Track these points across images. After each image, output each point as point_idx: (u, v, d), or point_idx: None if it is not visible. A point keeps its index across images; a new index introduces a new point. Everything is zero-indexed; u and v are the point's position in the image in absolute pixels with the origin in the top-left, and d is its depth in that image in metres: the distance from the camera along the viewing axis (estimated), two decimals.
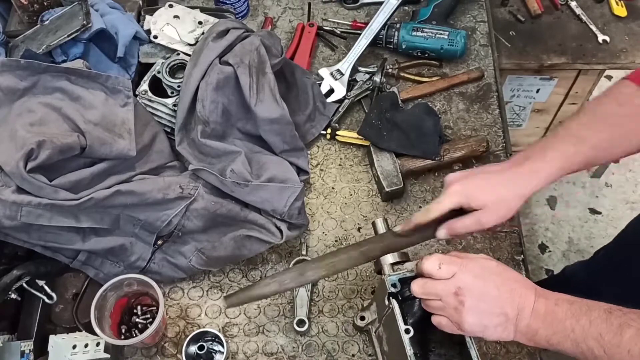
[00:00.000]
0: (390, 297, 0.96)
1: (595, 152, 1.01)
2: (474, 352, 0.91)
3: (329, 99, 1.43)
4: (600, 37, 1.83)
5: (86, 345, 1.11)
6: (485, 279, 0.90)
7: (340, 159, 1.38)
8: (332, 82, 1.43)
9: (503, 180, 0.99)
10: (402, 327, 0.93)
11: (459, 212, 0.99)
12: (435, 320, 0.92)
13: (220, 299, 1.22)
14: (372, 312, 1.13)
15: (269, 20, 1.57)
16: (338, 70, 1.44)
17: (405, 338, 0.92)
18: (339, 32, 1.56)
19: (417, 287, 0.92)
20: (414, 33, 1.47)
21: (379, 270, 1.03)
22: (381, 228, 1.07)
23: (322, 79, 1.44)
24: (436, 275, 0.90)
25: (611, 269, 1.52)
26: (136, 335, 1.12)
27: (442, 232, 1.01)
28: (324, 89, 1.43)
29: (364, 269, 1.24)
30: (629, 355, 0.79)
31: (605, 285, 1.47)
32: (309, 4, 1.60)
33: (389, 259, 1.02)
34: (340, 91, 1.43)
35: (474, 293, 0.88)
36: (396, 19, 1.58)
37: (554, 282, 1.74)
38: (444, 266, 0.90)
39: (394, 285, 0.96)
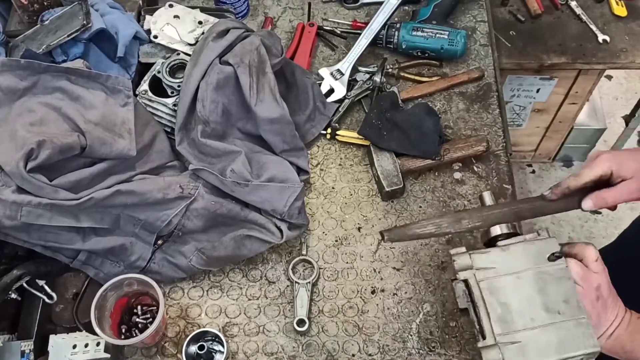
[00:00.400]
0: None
1: None
2: None
3: (329, 99, 1.43)
4: (600, 37, 1.83)
5: (86, 345, 1.11)
6: (610, 286, 0.96)
7: (341, 158, 1.38)
8: (332, 82, 1.43)
9: None
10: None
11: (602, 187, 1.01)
12: None
13: (219, 297, 1.22)
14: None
15: (269, 20, 1.57)
16: (338, 70, 1.44)
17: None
18: (339, 32, 1.56)
19: (576, 271, 0.95)
20: (414, 33, 1.47)
21: (488, 242, 1.04)
22: (489, 201, 1.08)
23: (322, 78, 1.44)
24: (590, 265, 0.95)
25: (614, 269, 1.52)
26: (136, 335, 1.12)
27: (588, 203, 1.03)
28: (324, 88, 1.43)
29: (364, 268, 1.24)
30: None
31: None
32: (309, 4, 1.60)
33: (497, 229, 1.02)
34: (340, 91, 1.43)
35: (604, 294, 0.94)
36: (396, 18, 1.58)
37: None
38: (600, 261, 0.95)
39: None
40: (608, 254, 1.61)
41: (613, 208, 1.07)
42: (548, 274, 0.93)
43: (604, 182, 1.02)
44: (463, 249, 0.98)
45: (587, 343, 0.88)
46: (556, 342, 0.88)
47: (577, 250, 0.96)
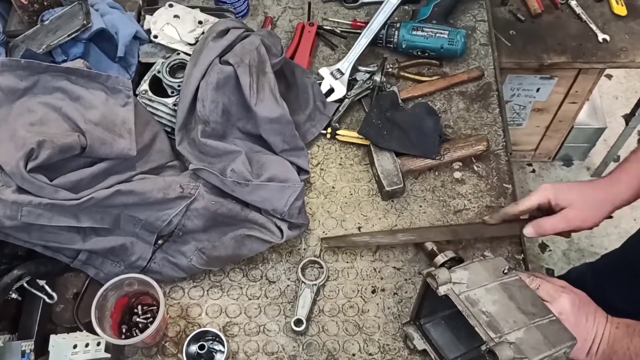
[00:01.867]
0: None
1: None
2: None
3: (329, 99, 1.43)
4: (600, 36, 1.83)
5: (87, 345, 1.11)
6: (579, 309, 0.99)
7: (341, 158, 1.38)
8: (332, 81, 1.43)
9: (592, 186, 1.07)
10: None
11: (544, 215, 1.08)
12: None
13: (219, 297, 1.22)
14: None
15: (269, 20, 1.57)
16: (338, 70, 1.44)
17: None
18: (339, 31, 1.56)
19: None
20: (414, 32, 1.47)
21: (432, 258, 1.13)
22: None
23: (322, 78, 1.44)
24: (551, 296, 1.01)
25: (617, 272, 1.52)
26: (137, 335, 1.12)
27: (528, 230, 1.09)
28: (324, 88, 1.43)
29: (364, 268, 1.24)
30: None
31: (609, 287, 1.48)
32: (309, 4, 1.60)
33: (439, 259, 1.13)
34: (340, 90, 1.43)
35: (570, 319, 0.97)
36: (396, 18, 1.57)
37: None
38: (559, 288, 1.00)
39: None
40: (612, 257, 1.62)
41: (567, 235, 1.15)
42: (509, 284, 0.98)
43: (548, 211, 1.09)
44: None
45: (565, 336, 0.93)
46: (543, 338, 0.91)
47: (535, 284, 1.01)
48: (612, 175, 1.10)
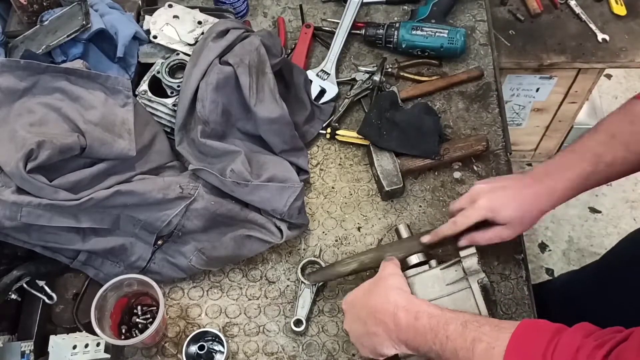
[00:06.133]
0: None
1: (611, 170, 1.05)
2: None
3: (323, 99, 1.43)
4: (600, 36, 1.83)
5: (86, 346, 1.11)
6: (355, 306, 1.03)
7: (340, 158, 1.38)
8: (321, 82, 1.44)
9: (526, 197, 1.05)
10: None
11: (481, 223, 1.07)
12: None
13: (219, 297, 1.22)
14: None
15: (281, 22, 1.56)
16: (323, 71, 1.45)
17: None
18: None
19: None
20: (414, 32, 1.47)
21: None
22: (405, 233, 1.17)
23: (310, 81, 1.44)
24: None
25: (602, 280, 1.51)
26: (136, 336, 1.12)
27: (463, 242, 1.09)
28: (315, 90, 1.43)
29: None
30: None
31: (596, 296, 1.47)
32: (300, 6, 1.60)
33: (413, 259, 1.12)
34: (332, 90, 1.43)
35: (347, 324, 1.04)
36: (395, 18, 1.58)
37: (547, 290, 1.73)
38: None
39: None
40: (593, 270, 1.60)
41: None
42: (457, 298, 1.04)
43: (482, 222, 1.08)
44: (473, 249, 1.04)
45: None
46: None
47: None
48: (552, 183, 1.04)
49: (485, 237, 1.08)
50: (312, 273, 1.19)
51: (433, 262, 1.09)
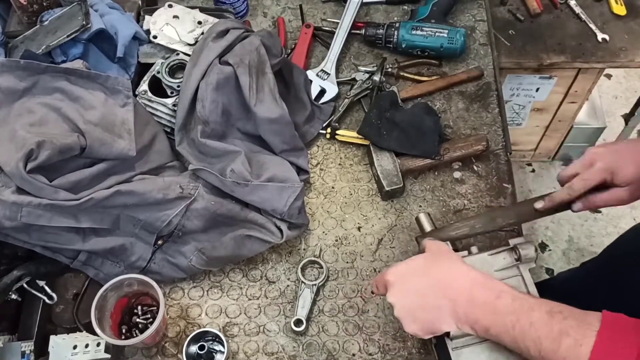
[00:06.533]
0: None
1: None
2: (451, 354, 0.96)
3: (323, 99, 1.43)
4: (600, 36, 1.83)
5: (87, 346, 1.11)
6: (410, 277, 0.95)
7: (340, 158, 1.38)
8: (321, 82, 1.44)
9: None
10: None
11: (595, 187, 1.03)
12: None
13: (219, 297, 1.22)
14: None
15: (281, 22, 1.56)
16: (323, 71, 1.45)
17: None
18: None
19: None
20: (414, 32, 1.47)
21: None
22: (426, 224, 1.14)
23: (310, 81, 1.44)
24: (380, 294, 1.00)
25: (600, 278, 1.51)
26: (137, 336, 1.12)
27: (579, 206, 1.05)
28: (315, 90, 1.43)
29: (364, 268, 1.24)
30: None
31: (595, 293, 1.47)
32: (300, 6, 1.60)
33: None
34: (332, 90, 1.43)
35: (398, 296, 0.95)
36: (395, 18, 1.58)
37: (547, 288, 1.73)
38: (378, 285, 1.00)
39: None
40: (592, 266, 1.60)
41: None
42: None
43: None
44: (526, 239, 1.03)
45: None
46: None
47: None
48: None
49: (602, 199, 1.03)
50: (420, 236, 1.12)
51: (474, 249, 1.06)
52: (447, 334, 0.93)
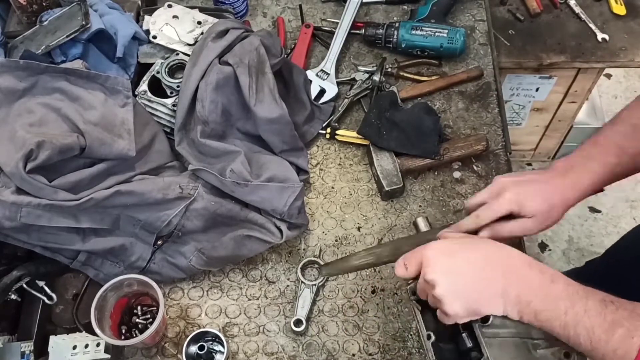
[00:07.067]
0: (413, 304, 0.97)
1: (637, 161, 1.03)
2: (482, 340, 0.89)
3: (323, 99, 1.43)
4: (600, 36, 1.83)
5: (86, 346, 1.11)
6: (454, 255, 0.89)
7: (340, 158, 1.38)
8: (321, 82, 1.44)
9: (553, 190, 1.01)
10: (423, 333, 0.94)
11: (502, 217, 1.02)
12: (437, 314, 0.92)
13: (219, 297, 1.22)
14: None
15: (281, 21, 1.56)
16: (322, 71, 1.45)
17: (427, 344, 0.93)
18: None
19: (417, 293, 0.94)
20: (413, 32, 1.47)
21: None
22: (423, 227, 1.10)
23: (310, 81, 1.44)
24: (410, 276, 0.91)
25: (601, 280, 1.51)
26: (136, 336, 1.12)
27: (485, 234, 1.03)
28: (315, 90, 1.43)
29: None
30: (614, 354, 0.78)
31: None
32: (300, 6, 1.60)
33: None
34: (331, 90, 1.43)
35: (442, 273, 0.86)
36: (395, 18, 1.58)
37: None
38: (408, 264, 0.91)
39: (414, 293, 0.96)
40: (595, 267, 1.59)
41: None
42: None
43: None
44: None
45: None
46: None
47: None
48: (576, 176, 1.02)
49: (507, 229, 1.02)
50: (325, 266, 1.14)
51: None
52: (485, 318, 0.88)
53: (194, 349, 1.12)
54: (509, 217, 1.02)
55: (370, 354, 1.16)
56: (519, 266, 0.86)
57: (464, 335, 0.91)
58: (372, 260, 1.08)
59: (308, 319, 1.18)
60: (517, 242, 1.26)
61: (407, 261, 0.91)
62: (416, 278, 0.92)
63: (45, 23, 1.33)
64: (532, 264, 0.86)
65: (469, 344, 0.90)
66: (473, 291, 0.86)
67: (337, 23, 1.51)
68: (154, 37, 1.38)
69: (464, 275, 0.86)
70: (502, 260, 0.87)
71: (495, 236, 1.02)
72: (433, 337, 0.93)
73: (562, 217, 1.03)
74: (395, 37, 1.48)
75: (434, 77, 1.47)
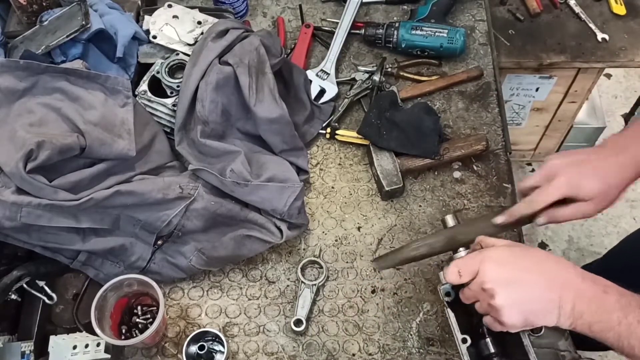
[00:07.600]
0: (446, 307, 0.96)
1: None
2: (530, 350, 0.89)
3: (323, 99, 1.43)
4: (600, 36, 1.83)
5: (86, 346, 1.11)
6: (512, 265, 0.88)
7: (340, 158, 1.38)
8: (321, 82, 1.44)
9: (611, 168, 0.98)
10: (458, 337, 0.93)
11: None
12: (484, 320, 0.91)
13: (219, 297, 1.22)
14: None
15: (281, 21, 1.56)
16: (322, 71, 1.45)
17: (463, 348, 0.92)
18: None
19: (461, 296, 0.93)
20: (413, 32, 1.47)
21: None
22: (451, 223, 1.07)
23: (310, 81, 1.44)
24: (462, 282, 0.90)
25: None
26: (136, 336, 1.12)
27: (542, 220, 1.01)
28: (315, 90, 1.43)
29: (364, 268, 1.24)
30: None
31: None
32: (300, 6, 1.60)
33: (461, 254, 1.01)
34: (331, 90, 1.43)
35: (501, 284, 0.86)
36: (395, 18, 1.58)
37: None
38: (462, 271, 0.89)
39: (447, 294, 0.95)
40: (596, 269, 1.59)
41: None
42: None
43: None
44: None
45: None
46: None
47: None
48: (633, 155, 0.98)
49: (565, 214, 0.99)
50: (379, 259, 1.10)
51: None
52: (536, 329, 0.88)
53: (194, 348, 1.12)
54: (566, 200, 0.99)
55: (370, 354, 1.16)
56: (573, 278, 0.86)
57: (488, 340, 0.91)
58: (425, 251, 1.05)
59: (308, 318, 1.18)
60: (517, 241, 1.26)
61: (461, 269, 0.90)
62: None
63: (45, 23, 1.33)
64: (584, 275, 0.86)
65: (492, 349, 0.90)
66: (532, 303, 0.86)
67: (337, 23, 1.51)
68: (154, 37, 1.38)
69: (524, 287, 0.86)
70: (559, 273, 0.87)
71: (553, 220, 1.00)
72: (469, 341, 0.92)
73: (620, 198, 1.00)
74: (395, 37, 1.48)
75: (434, 77, 1.47)
